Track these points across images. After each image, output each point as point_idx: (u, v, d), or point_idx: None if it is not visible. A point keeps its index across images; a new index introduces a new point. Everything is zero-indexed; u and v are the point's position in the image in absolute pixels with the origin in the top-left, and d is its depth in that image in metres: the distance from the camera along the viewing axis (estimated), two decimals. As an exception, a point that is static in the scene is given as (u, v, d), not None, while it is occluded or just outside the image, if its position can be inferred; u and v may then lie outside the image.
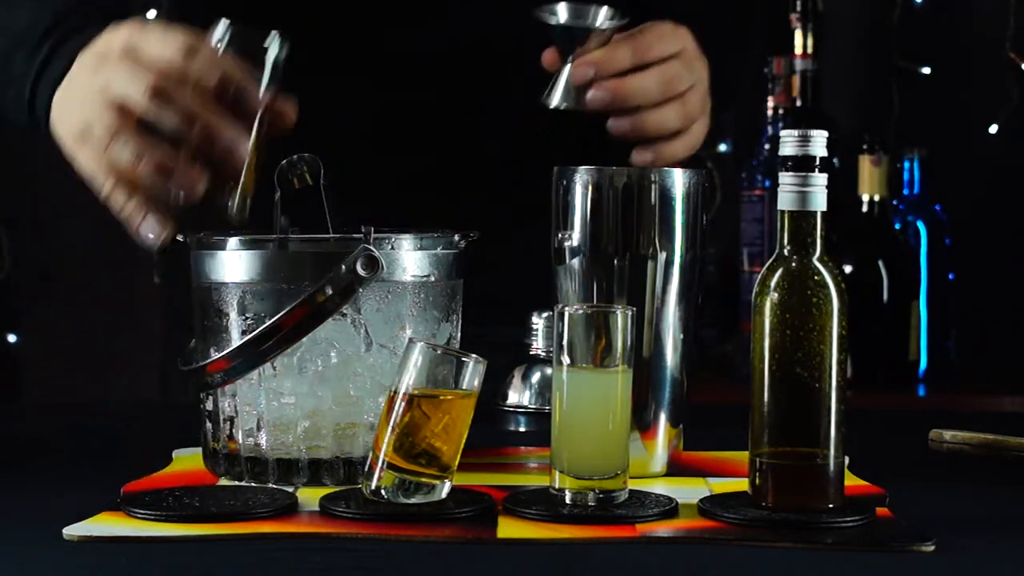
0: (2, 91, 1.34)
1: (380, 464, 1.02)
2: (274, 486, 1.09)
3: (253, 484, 1.10)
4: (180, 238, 1.15)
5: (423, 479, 1.02)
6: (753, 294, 1.02)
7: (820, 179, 1.01)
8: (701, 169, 1.15)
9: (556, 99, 1.32)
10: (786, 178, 1.02)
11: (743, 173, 2.35)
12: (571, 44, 1.31)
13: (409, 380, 1.02)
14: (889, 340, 2.29)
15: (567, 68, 1.31)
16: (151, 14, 2.54)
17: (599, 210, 1.13)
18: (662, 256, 1.13)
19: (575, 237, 1.13)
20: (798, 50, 2.32)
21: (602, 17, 1.31)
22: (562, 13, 1.30)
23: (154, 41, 1.15)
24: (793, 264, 1.01)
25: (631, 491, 1.04)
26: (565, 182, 1.14)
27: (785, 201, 1.02)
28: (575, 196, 1.13)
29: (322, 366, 1.09)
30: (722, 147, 2.49)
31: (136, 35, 1.17)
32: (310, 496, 1.05)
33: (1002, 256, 2.47)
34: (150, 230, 1.14)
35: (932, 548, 0.93)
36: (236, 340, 1.10)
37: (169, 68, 1.13)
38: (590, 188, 1.13)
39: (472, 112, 1.47)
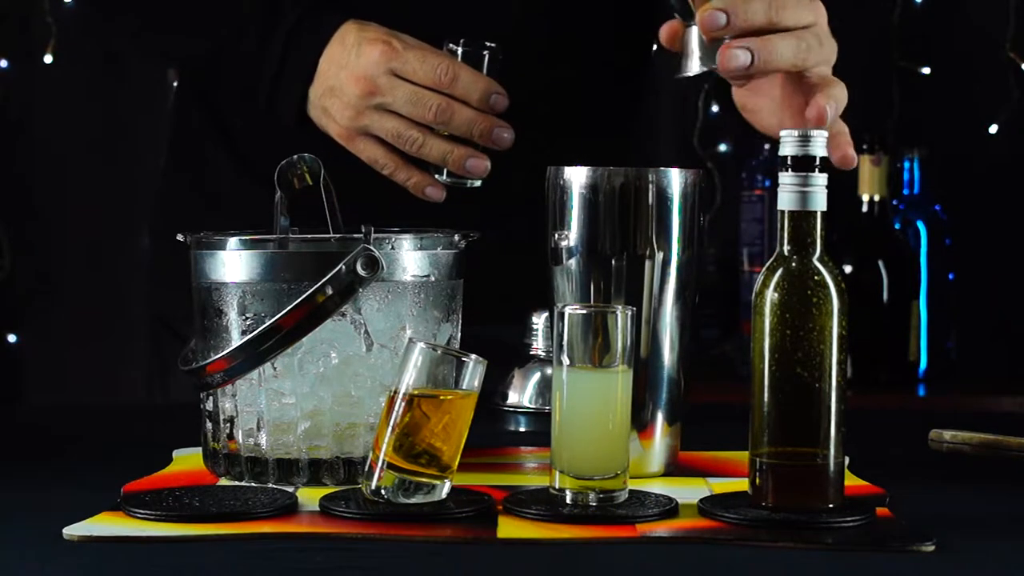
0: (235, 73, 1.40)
1: (380, 464, 1.02)
2: (274, 486, 1.09)
3: (253, 484, 1.10)
4: (180, 238, 1.15)
5: (423, 479, 1.02)
6: (753, 294, 1.03)
7: (820, 179, 1.01)
8: (698, 169, 1.15)
9: (693, 66, 1.21)
10: (786, 178, 1.02)
11: (743, 173, 2.35)
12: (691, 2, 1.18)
13: (409, 380, 1.02)
14: (889, 340, 2.29)
15: (694, 30, 1.19)
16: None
17: (596, 210, 1.12)
18: (659, 256, 1.13)
19: (572, 237, 1.13)
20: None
21: None
22: None
23: (416, 66, 1.29)
24: (793, 264, 1.01)
25: (631, 491, 1.04)
26: (561, 182, 1.14)
27: (785, 201, 1.02)
28: (571, 196, 1.13)
29: (322, 366, 1.09)
30: (722, 147, 2.48)
31: (394, 58, 1.29)
32: (310, 496, 1.05)
33: (1002, 256, 2.47)
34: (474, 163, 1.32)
35: (932, 548, 0.93)
36: (236, 340, 1.10)
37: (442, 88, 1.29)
38: (587, 188, 1.12)
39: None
